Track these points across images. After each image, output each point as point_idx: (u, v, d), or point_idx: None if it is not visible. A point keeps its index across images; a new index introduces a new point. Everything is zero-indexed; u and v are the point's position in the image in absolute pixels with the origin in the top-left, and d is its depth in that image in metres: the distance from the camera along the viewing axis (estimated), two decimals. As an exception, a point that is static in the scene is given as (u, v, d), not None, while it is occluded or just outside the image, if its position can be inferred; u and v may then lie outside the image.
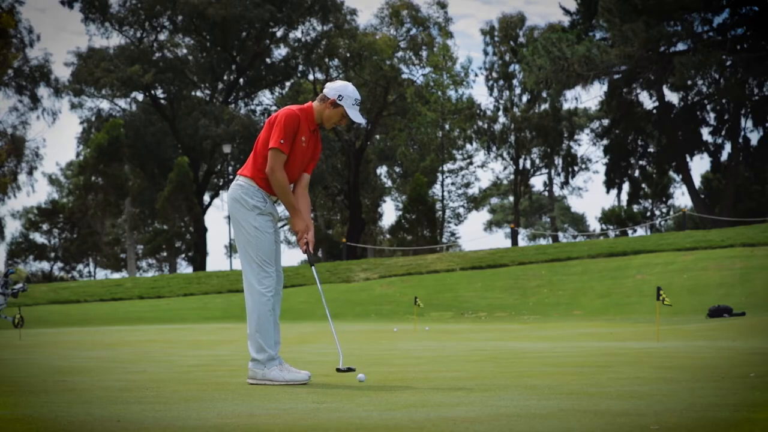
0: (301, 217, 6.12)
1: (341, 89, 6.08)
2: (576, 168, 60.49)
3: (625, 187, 55.04)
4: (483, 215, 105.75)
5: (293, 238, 66.62)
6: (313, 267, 6.17)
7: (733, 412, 4.31)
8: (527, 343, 11.67)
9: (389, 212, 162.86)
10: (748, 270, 24.64)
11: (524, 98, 57.97)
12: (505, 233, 75.05)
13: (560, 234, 61.99)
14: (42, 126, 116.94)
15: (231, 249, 51.11)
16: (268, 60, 54.30)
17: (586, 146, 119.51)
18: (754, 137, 53.74)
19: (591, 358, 8.31)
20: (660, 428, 3.87)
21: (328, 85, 6.11)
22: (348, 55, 53.40)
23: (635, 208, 59.35)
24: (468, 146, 57.59)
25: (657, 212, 61.74)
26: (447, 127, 53.81)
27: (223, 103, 53.46)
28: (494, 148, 58.85)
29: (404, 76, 55.07)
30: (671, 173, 57.49)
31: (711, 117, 50.46)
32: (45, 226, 58.53)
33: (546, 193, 67.11)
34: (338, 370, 6.32)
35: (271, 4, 50.56)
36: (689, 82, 46.15)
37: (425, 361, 8.23)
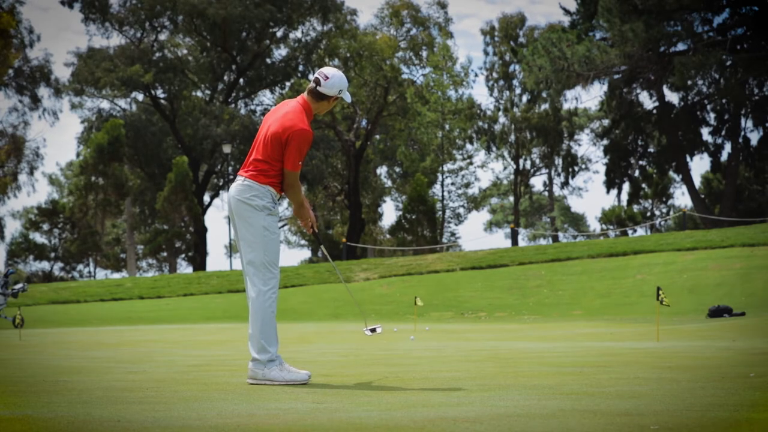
0: (308, 209, 6.30)
1: (339, 84, 6.12)
2: (576, 168, 60.52)
3: (625, 187, 55.05)
4: (483, 215, 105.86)
5: (292, 238, 66.64)
6: (321, 245, 6.58)
7: (733, 412, 4.31)
8: (527, 343, 11.66)
9: (389, 212, 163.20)
10: (748, 270, 24.60)
11: (524, 98, 57.99)
12: (505, 233, 74.99)
13: (560, 234, 61.95)
14: (42, 126, 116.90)
15: (231, 249, 51.09)
16: (268, 60, 54.31)
17: (586, 146, 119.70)
18: (754, 137, 53.76)
19: (591, 358, 8.30)
20: (660, 428, 3.87)
21: (324, 83, 6.09)
22: (348, 55, 53.40)
23: (635, 208, 59.36)
24: (468, 146, 57.62)
25: (657, 212, 61.75)
26: (447, 127, 53.80)
27: (223, 103, 53.46)
28: (494, 148, 58.86)
29: (404, 76, 55.08)
30: (671, 173, 57.48)
31: (711, 117, 50.44)
32: (45, 226, 58.48)
33: (546, 193, 67.11)
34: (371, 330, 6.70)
35: (271, 4, 50.56)
36: (689, 82, 46.11)
37: (425, 361, 8.23)
